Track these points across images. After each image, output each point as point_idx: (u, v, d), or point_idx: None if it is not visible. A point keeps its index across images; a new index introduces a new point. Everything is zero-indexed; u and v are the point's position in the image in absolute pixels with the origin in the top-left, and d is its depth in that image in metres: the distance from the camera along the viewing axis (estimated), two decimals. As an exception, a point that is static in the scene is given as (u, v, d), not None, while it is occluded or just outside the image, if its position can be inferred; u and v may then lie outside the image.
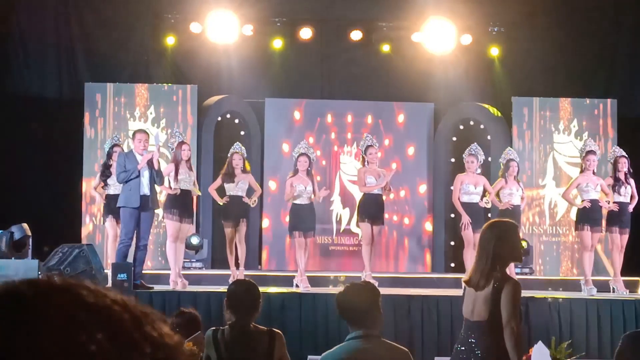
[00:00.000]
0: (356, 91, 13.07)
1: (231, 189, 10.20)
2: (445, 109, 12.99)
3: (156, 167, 9.41)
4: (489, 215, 11.19)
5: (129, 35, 12.70)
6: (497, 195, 10.31)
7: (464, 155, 10.55)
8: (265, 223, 12.76)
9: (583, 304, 9.34)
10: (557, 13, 12.80)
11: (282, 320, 8.72)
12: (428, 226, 12.92)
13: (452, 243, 12.62)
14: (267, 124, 12.81)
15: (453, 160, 12.64)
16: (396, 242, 12.85)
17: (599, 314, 9.27)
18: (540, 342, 6.97)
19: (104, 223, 10.73)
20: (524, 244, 10.96)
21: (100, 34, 12.65)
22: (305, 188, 10.07)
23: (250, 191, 10.38)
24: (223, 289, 7.99)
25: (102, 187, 10.48)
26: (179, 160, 9.89)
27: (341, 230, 12.76)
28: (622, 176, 10.21)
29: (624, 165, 10.23)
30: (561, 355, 7.95)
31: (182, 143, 10.03)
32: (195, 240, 11.39)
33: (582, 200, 10.17)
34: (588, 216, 10.10)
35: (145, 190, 9.35)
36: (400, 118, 13.00)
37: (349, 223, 12.68)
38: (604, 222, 10.27)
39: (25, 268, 9.02)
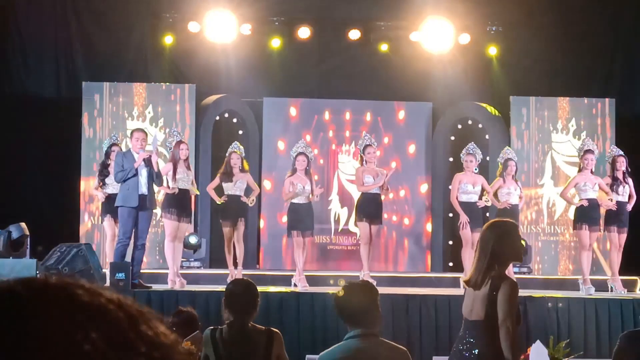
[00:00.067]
0: (354, 91, 13.06)
1: (229, 188, 10.20)
2: (443, 108, 12.99)
3: (155, 169, 9.41)
4: (487, 214, 11.19)
5: (127, 34, 12.69)
6: (495, 194, 10.31)
7: (461, 155, 10.55)
8: (261, 223, 12.74)
9: (581, 303, 9.34)
10: (555, 13, 12.80)
11: (280, 320, 8.73)
12: (429, 227, 12.91)
13: (450, 242, 12.62)
14: (265, 123, 12.80)
15: (451, 159, 12.64)
16: (395, 242, 12.84)
17: (597, 313, 9.27)
18: (538, 341, 6.97)
19: (102, 222, 10.72)
20: (523, 243, 10.97)
21: (98, 34, 12.65)
22: (304, 187, 10.06)
23: (248, 190, 10.37)
24: (221, 288, 7.99)
25: (101, 187, 10.47)
26: (177, 159, 9.88)
27: (339, 230, 12.75)
28: (620, 175, 10.22)
29: (622, 165, 10.24)
30: (559, 355, 7.95)
31: (180, 142, 10.02)
32: (193, 240, 11.38)
33: (580, 199, 10.18)
34: (586, 215, 10.11)
35: (144, 189, 9.35)
36: (401, 115, 12.98)
37: (347, 223, 12.67)
38: (602, 222, 10.28)
39: (23, 267, 9.01)
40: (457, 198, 10.23)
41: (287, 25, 12.85)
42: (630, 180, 10.29)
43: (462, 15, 12.55)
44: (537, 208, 12.33)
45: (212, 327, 4.48)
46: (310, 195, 10.08)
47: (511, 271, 10.14)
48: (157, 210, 10.60)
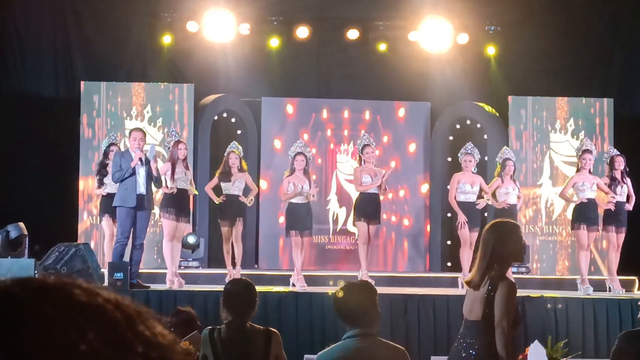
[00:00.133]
0: (353, 90, 13.06)
1: (228, 188, 10.19)
2: (441, 108, 12.98)
3: (155, 174, 9.41)
4: (485, 214, 11.20)
5: (126, 34, 12.68)
6: (494, 194, 10.31)
7: (459, 155, 10.55)
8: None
9: (579, 303, 9.35)
10: (554, 12, 12.80)
11: (278, 320, 8.72)
12: (428, 227, 12.90)
13: (449, 242, 12.62)
14: (264, 122, 12.79)
15: (450, 159, 12.64)
16: (394, 242, 12.83)
17: (595, 313, 9.28)
18: (536, 341, 6.97)
19: (100, 222, 10.72)
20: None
21: (96, 34, 12.64)
22: (302, 187, 10.06)
23: (247, 190, 10.37)
24: (220, 288, 7.99)
25: (99, 187, 10.46)
26: (175, 159, 9.87)
27: (338, 230, 12.74)
28: (618, 175, 10.23)
29: (621, 164, 10.26)
30: (557, 355, 7.95)
31: (178, 142, 10.01)
32: (192, 240, 11.38)
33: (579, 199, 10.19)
34: (584, 215, 10.11)
35: (142, 189, 9.35)
36: (401, 112, 12.96)
37: (345, 223, 12.66)
38: (600, 221, 10.29)
39: (21, 267, 9.00)
40: (455, 198, 10.24)
41: (285, 24, 12.84)
42: (628, 180, 10.30)
43: (461, 15, 12.55)
44: (535, 208, 12.34)
45: (210, 327, 4.48)
46: (308, 196, 10.08)
47: (509, 271, 10.15)
48: (156, 210, 10.60)
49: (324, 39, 13.05)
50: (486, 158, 12.07)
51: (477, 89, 12.84)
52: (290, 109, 12.88)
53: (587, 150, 10.30)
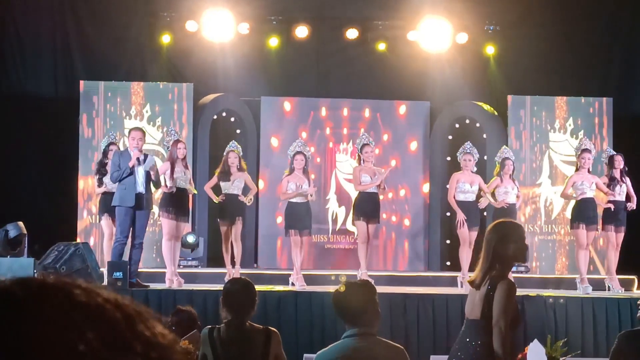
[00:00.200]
0: (352, 90, 13.06)
1: (227, 187, 10.19)
2: (441, 107, 12.98)
3: (154, 177, 9.40)
4: (485, 214, 11.20)
5: (125, 33, 12.68)
6: (493, 194, 10.32)
7: (458, 154, 10.56)
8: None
9: (579, 303, 9.35)
10: (553, 12, 12.80)
11: (278, 319, 8.73)
12: (427, 226, 12.89)
13: (448, 241, 12.62)
14: (263, 122, 12.79)
15: (449, 158, 12.63)
16: (394, 241, 12.82)
17: (594, 312, 9.28)
18: (535, 340, 6.97)
19: (99, 221, 10.72)
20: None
21: (95, 32, 12.64)
22: (301, 187, 10.06)
23: (246, 189, 10.37)
24: (219, 287, 7.99)
25: (99, 186, 10.46)
26: (174, 158, 9.87)
27: (337, 230, 12.74)
28: (617, 174, 10.24)
29: (620, 163, 10.26)
30: (557, 354, 7.95)
31: (177, 141, 10.01)
32: (191, 239, 11.38)
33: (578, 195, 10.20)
34: (583, 214, 10.12)
35: (141, 188, 9.34)
36: (402, 110, 12.94)
37: (344, 222, 12.65)
38: (599, 221, 10.29)
39: (20, 266, 9.00)
40: (454, 197, 10.24)
41: (284, 24, 12.84)
42: (627, 179, 10.30)
43: (460, 14, 12.55)
44: (535, 207, 12.34)
45: (209, 326, 4.48)
46: (307, 195, 10.07)
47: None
48: (155, 209, 10.60)
49: (323, 38, 13.05)
50: (485, 157, 12.07)
51: (476, 89, 12.84)
52: (287, 106, 12.86)
53: (586, 150, 10.30)
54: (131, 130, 9.75)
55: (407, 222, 12.85)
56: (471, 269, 9.65)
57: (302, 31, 12.78)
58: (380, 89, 12.98)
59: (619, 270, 10.33)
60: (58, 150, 12.26)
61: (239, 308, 4.36)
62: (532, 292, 9.65)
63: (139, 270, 9.73)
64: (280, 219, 11.86)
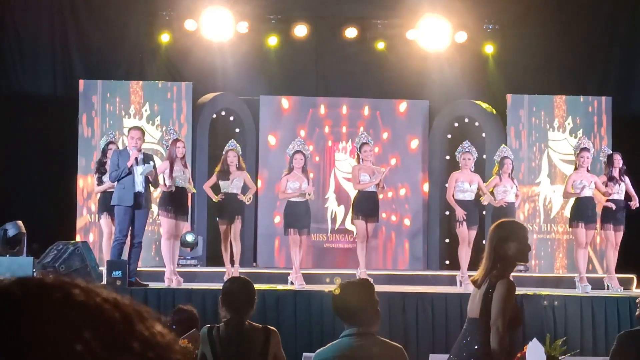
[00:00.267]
0: (351, 89, 13.05)
1: (226, 186, 10.19)
2: (440, 106, 12.98)
3: (152, 179, 9.39)
4: (484, 212, 11.21)
5: (124, 32, 12.68)
6: (492, 192, 10.32)
7: (456, 153, 10.56)
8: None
9: (577, 302, 9.35)
10: (552, 10, 12.81)
11: (277, 318, 8.73)
12: (426, 225, 12.88)
13: (447, 240, 12.62)
14: (262, 121, 12.78)
15: (448, 157, 12.63)
16: (394, 240, 12.81)
17: (593, 311, 9.28)
18: (534, 339, 6.97)
19: (98, 220, 10.72)
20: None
21: (94, 32, 12.64)
22: (301, 186, 10.06)
23: (245, 188, 10.37)
24: (218, 286, 7.98)
25: (99, 185, 10.45)
26: (173, 157, 9.87)
27: (336, 229, 12.73)
28: (616, 173, 10.23)
29: (619, 162, 10.26)
30: (556, 352, 7.95)
31: (176, 140, 10.01)
32: (190, 238, 11.38)
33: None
34: (582, 213, 10.12)
35: (139, 188, 9.33)
36: (402, 107, 12.93)
37: (343, 221, 12.64)
38: (598, 220, 10.29)
39: (19, 266, 9.00)
40: (453, 196, 10.24)
41: (284, 23, 12.84)
42: (626, 178, 10.30)
43: (459, 13, 12.55)
44: (534, 206, 12.34)
45: (209, 325, 4.48)
46: (305, 195, 10.07)
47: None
48: (154, 208, 10.59)
49: (322, 37, 13.04)
50: (484, 156, 12.07)
51: (475, 87, 12.84)
52: (285, 103, 12.84)
53: (585, 149, 10.30)
54: (130, 129, 9.75)
55: (407, 221, 12.84)
56: (470, 268, 9.67)
57: (301, 30, 12.77)
58: (380, 87, 12.98)
59: (618, 269, 10.33)
60: (57, 149, 12.26)
61: (238, 307, 4.36)
62: (530, 291, 9.66)
63: (138, 269, 9.73)
64: (278, 219, 11.86)
